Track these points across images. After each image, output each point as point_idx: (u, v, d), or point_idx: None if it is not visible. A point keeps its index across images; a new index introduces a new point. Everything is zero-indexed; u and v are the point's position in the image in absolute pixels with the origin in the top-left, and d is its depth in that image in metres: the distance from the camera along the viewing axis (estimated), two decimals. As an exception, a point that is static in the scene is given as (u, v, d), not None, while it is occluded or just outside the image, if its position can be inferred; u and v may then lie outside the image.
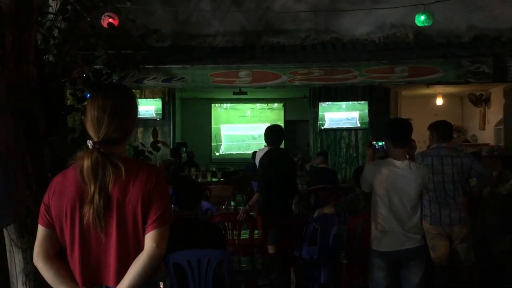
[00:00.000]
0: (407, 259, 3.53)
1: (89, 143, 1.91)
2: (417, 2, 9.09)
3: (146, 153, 3.30)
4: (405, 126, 3.67)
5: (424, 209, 4.53)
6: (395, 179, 3.53)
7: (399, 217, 3.52)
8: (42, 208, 1.96)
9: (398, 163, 3.56)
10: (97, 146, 1.90)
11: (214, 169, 11.54)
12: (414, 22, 9.09)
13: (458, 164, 4.45)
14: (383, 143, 4.36)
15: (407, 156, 3.67)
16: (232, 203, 6.30)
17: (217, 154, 14.00)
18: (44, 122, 2.63)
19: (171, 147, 10.11)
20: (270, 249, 5.10)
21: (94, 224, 1.87)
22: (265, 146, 5.68)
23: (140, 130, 10.40)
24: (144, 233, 1.90)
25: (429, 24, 9.03)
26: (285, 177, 5.28)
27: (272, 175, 5.16)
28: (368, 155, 4.61)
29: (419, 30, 10.10)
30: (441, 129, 4.63)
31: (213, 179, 10.03)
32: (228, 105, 14.08)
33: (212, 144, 14.08)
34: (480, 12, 9.99)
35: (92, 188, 1.87)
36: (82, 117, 2.09)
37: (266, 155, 5.30)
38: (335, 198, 6.53)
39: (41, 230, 1.96)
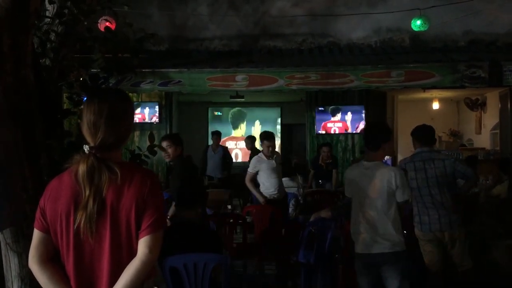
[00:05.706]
0: (381, 264, 3.47)
1: (86, 148, 1.90)
2: (413, 7, 9.12)
3: (143, 157, 3.30)
4: (375, 130, 3.67)
5: (414, 216, 4.50)
6: (361, 179, 3.55)
7: (368, 219, 3.48)
8: (37, 212, 1.96)
9: (367, 164, 3.57)
10: (93, 151, 1.89)
11: (210, 173, 11.50)
12: (410, 26, 9.11)
13: (440, 167, 4.37)
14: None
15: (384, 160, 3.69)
16: (229, 207, 6.30)
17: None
18: (42, 126, 2.63)
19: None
20: None
21: (85, 229, 1.86)
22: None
23: (137, 133, 10.37)
24: (137, 239, 1.89)
25: (425, 29, 9.05)
26: None
27: None
28: None
29: (415, 35, 10.12)
30: (421, 134, 4.58)
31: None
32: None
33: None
34: (476, 17, 10.01)
35: (87, 193, 1.86)
36: (79, 120, 2.09)
37: None
38: (332, 202, 6.53)
39: (36, 234, 1.95)
